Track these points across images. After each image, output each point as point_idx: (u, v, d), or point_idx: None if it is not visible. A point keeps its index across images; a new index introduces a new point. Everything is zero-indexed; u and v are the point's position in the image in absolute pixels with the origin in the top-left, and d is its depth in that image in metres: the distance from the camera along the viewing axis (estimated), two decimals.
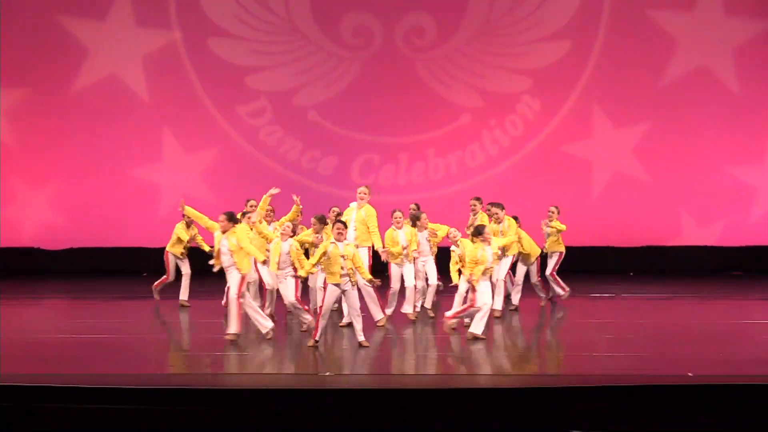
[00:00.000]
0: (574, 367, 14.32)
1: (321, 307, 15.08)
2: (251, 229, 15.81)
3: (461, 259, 15.23)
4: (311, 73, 21.82)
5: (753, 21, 21.47)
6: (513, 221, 17.26)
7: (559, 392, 12.66)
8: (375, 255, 16.27)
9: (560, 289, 17.65)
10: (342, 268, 14.71)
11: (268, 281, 16.11)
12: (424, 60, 21.72)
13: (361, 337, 14.98)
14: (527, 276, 17.65)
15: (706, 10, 21.49)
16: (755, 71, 21.57)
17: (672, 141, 21.70)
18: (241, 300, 15.28)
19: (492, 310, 15.65)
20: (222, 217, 15.06)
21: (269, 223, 16.35)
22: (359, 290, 15.41)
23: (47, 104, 21.71)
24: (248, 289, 15.90)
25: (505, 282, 17.22)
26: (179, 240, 17.68)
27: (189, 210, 15.88)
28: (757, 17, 21.46)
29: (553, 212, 17.62)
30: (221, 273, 15.33)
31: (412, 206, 16.85)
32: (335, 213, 16.47)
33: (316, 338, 14.96)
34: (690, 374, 13.79)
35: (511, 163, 21.83)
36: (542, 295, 17.84)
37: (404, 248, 16.43)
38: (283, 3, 21.69)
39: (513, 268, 17.37)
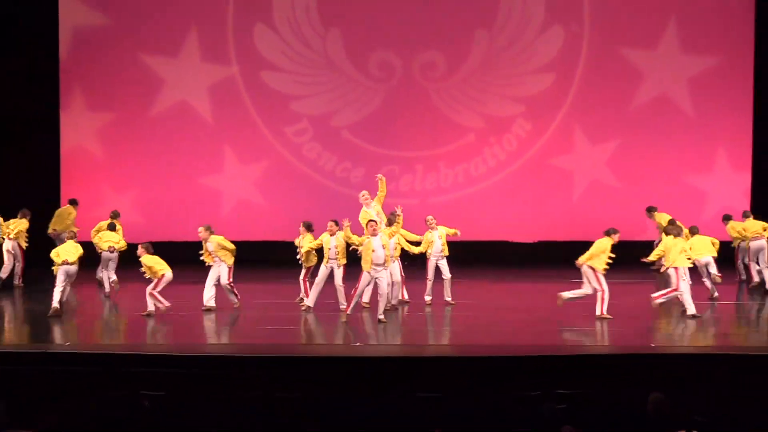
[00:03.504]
0: (556, 340, 14.44)
1: (356, 288, 15.22)
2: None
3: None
4: (344, 99, 21.95)
5: (704, 57, 21.64)
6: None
7: (549, 359, 12.80)
8: None
9: None
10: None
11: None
12: (436, 89, 21.85)
13: (380, 315, 15.11)
14: None
15: (666, 48, 21.64)
16: (706, 98, 21.71)
17: (639, 155, 21.83)
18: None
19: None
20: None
21: None
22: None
23: (130, 125, 21.87)
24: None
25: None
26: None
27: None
28: (707, 54, 21.63)
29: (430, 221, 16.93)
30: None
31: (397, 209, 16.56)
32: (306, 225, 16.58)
33: (348, 312, 15.13)
34: (653, 345, 13.95)
35: (507, 173, 21.95)
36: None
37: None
38: (322, 42, 21.83)
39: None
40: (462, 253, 18.56)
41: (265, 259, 20.81)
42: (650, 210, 20.35)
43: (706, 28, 21.60)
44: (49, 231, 19.92)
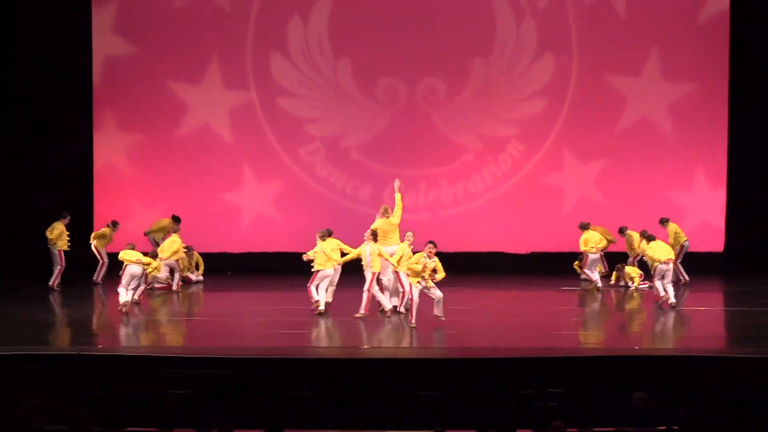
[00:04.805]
0: (548, 342, 14.40)
1: (412, 299, 15.08)
2: None
3: None
4: (353, 122, 21.94)
5: (683, 83, 21.64)
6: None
7: (541, 360, 12.77)
8: None
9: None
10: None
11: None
12: (437, 112, 21.84)
13: (439, 314, 15.19)
14: None
15: (649, 75, 21.63)
16: (685, 121, 21.70)
17: (623, 173, 21.81)
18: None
19: None
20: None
21: None
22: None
23: (158, 146, 21.87)
24: None
25: None
26: None
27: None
28: (686, 81, 21.63)
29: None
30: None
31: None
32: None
33: (413, 322, 15.02)
34: (636, 347, 13.92)
35: (502, 190, 21.92)
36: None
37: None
38: (332, 71, 21.84)
39: None
40: (461, 263, 18.56)
41: (281, 269, 20.79)
42: (663, 221, 19.92)
43: (684, 56, 21.60)
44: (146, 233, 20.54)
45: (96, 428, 9.52)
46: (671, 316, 16.37)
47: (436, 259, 15.06)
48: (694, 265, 20.81)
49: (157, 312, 17.37)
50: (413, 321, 14.88)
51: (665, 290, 16.77)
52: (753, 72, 21.54)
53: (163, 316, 17.20)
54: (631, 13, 21.64)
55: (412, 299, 15.12)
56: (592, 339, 15.17)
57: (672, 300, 16.66)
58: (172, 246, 19.11)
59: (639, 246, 18.64)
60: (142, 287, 16.85)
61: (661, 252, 17.17)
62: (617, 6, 21.65)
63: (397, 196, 16.72)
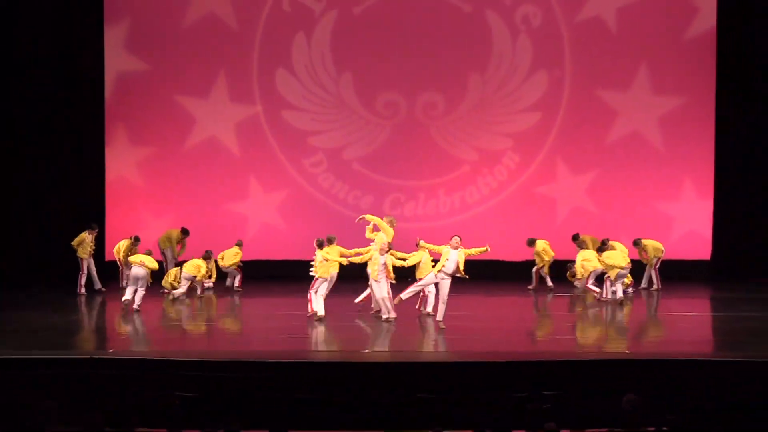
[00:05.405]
0: (543, 346, 14.38)
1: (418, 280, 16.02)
2: None
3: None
4: (355, 135, 21.96)
5: (672, 98, 21.68)
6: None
7: (536, 364, 12.75)
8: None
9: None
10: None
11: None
12: (436, 126, 21.86)
13: (439, 318, 15.38)
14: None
15: (639, 90, 21.67)
16: (673, 133, 21.72)
17: (614, 184, 21.83)
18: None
19: None
20: None
21: None
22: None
23: (167, 158, 21.90)
24: None
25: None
26: None
27: None
28: (675, 95, 21.67)
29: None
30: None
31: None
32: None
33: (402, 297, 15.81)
34: (627, 351, 13.89)
35: (498, 200, 21.93)
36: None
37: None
38: (335, 85, 21.87)
39: None
40: None
41: (285, 275, 20.79)
42: (636, 243, 19.95)
43: (673, 72, 21.63)
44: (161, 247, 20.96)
45: (107, 430, 9.49)
46: (656, 320, 16.40)
47: (461, 249, 15.42)
48: (682, 272, 20.84)
49: (168, 317, 17.33)
50: (398, 299, 15.63)
51: (616, 292, 17.83)
52: (739, 86, 21.54)
53: (174, 322, 17.16)
54: (621, 30, 21.67)
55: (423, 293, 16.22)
56: (587, 342, 15.15)
57: (621, 296, 17.89)
58: (234, 258, 19.96)
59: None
60: (183, 288, 18.31)
61: (619, 259, 17.96)
62: (608, 23, 21.68)
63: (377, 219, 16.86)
